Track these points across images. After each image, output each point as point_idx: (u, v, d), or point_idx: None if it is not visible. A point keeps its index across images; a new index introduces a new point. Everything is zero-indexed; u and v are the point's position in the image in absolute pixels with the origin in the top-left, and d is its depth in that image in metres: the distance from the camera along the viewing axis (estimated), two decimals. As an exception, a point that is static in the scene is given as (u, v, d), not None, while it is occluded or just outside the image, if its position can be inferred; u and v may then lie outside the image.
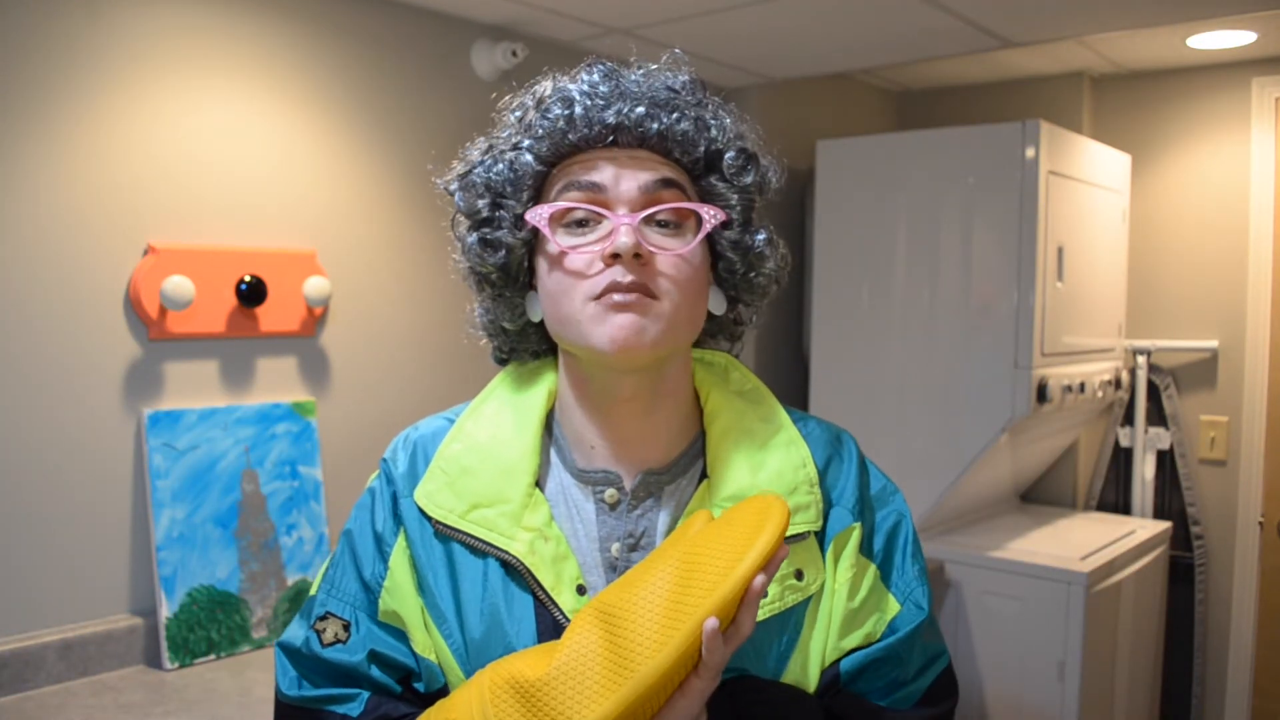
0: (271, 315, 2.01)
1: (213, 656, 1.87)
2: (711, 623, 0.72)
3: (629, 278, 0.84)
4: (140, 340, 1.85)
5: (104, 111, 1.79)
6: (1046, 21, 2.41)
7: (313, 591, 0.98)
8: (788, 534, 0.87)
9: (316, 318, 2.09)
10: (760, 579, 0.74)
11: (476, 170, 0.91)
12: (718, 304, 0.94)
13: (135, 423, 1.85)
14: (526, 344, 0.98)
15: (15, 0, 1.67)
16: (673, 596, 0.75)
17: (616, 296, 0.83)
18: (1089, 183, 2.78)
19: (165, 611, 1.82)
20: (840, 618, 0.89)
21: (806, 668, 0.89)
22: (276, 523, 1.99)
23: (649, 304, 0.84)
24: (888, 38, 2.53)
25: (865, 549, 0.93)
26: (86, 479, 1.79)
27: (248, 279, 1.94)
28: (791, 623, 0.88)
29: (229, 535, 1.92)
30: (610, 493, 0.91)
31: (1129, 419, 3.20)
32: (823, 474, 0.93)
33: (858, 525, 0.92)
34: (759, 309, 0.99)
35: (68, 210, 1.75)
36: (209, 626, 1.87)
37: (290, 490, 2.01)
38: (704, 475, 0.92)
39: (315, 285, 2.03)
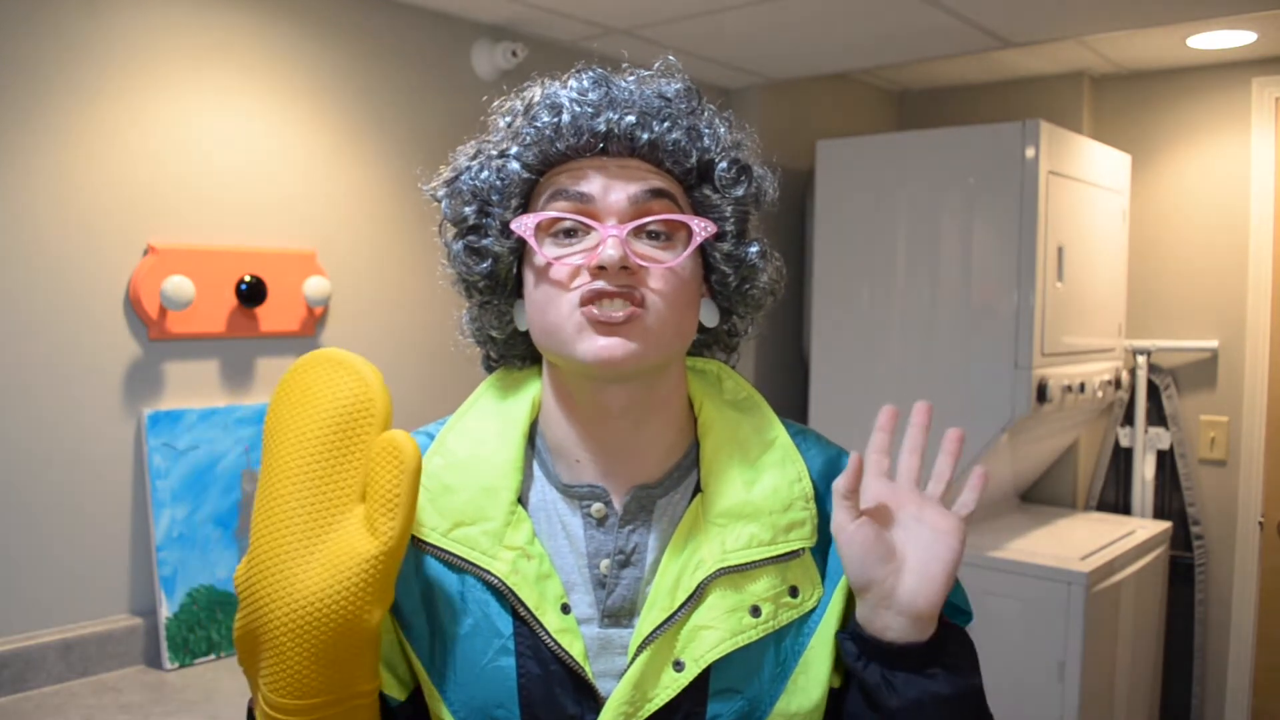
0: (271, 315, 2.01)
1: (213, 656, 1.87)
2: None
3: (615, 286, 0.82)
4: (140, 340, 1.85)
5: (104, 111, 1.79)
6: (1046, 21, 2.41)
7: None
8: (783, 552, 0.86)
9: (316, 318, 2.09)
10: None
11: (463, 177, 0.89)
12: (710, 316, 0.92)
13: (135, 423, 1.85)
14: (514, 351, 0.96)
15: (15, 0, 1.68)
16: None
17: (598, 310, 0.81)
18: (1089, 183, 2.78)
19: (165, 611, 1.82)
20: (840, 609, 0.87)
21: (810, 690, 0.86)
22: (276, 523, 1.99)
23: (635, 324, 0.82)
24: (888, 38, 2.53)
25: None
26: (86, 479, 1.79)
27: (248, 279, 1.94)
28: (788, 638, 0.86)
29: (229, 535, 1.92)
30: (597, 507, 0.88)
31: (1129, 419, 3.20)
32: (820, 486, 0.91)
33: None
34: (755, 321, 0.97)
35: (68, 210, 1.75)
36: (209, 626, 1.87)
37: (290, 490, 2.01)
38: (698, 489, 0.90)
39: (315, 285, 2.03)
